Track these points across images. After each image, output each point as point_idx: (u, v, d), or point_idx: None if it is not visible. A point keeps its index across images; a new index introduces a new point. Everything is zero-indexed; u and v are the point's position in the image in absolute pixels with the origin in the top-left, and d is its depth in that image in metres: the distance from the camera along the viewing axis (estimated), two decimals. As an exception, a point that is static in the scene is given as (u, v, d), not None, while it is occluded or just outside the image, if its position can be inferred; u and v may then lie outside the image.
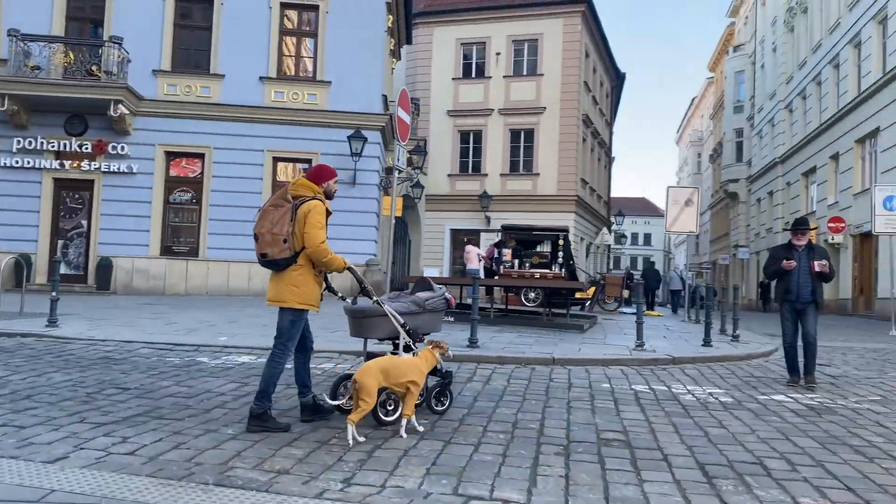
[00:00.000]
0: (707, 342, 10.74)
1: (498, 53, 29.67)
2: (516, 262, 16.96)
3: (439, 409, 5.64)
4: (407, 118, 9.60)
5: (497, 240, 19.37)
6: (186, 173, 19.81)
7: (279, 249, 4.84)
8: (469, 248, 19.21)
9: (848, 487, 4.09)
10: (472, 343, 9.20)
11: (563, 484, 4.02)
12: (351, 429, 4.71)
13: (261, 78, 19.79)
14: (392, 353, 5.36)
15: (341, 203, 19.23)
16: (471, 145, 29.98)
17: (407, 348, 5.47)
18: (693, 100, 72.82)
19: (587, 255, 31.49)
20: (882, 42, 24.72)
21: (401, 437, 4.89)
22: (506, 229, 17.70)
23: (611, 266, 35.87)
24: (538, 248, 17.66)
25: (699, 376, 8.28)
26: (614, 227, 36.64)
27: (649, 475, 4.23)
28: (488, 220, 28.47)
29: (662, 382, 7.72)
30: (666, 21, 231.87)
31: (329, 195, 5.21)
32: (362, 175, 19.57)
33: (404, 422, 4.99)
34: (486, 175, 29.45)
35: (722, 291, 12.89)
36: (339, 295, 5.49)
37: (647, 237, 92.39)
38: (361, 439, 4.76)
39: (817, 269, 7.22)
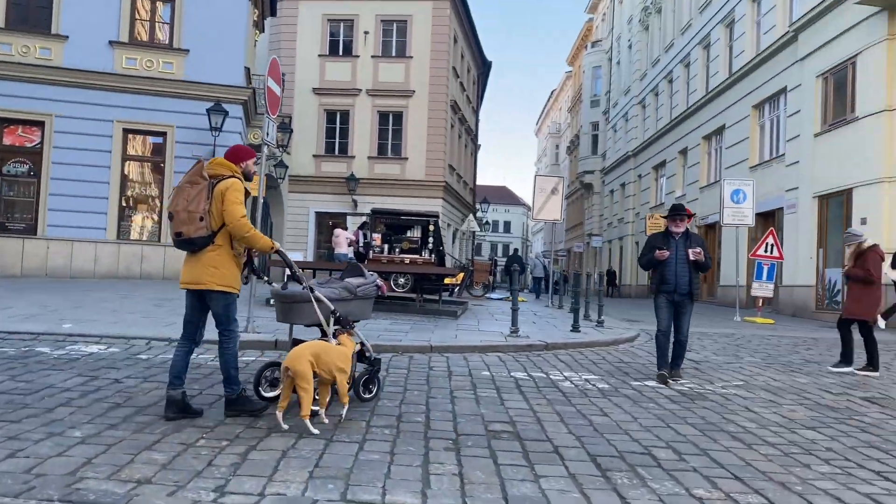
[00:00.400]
0: (576, 328, 10.94)
1: (366, 32, 29.06)
2: (386, 247, 16.67)
3: (367, 396, 5.52)
4: (277, 89, 9.00)
5: (361, 222, 19.05)
6: (23, 143, 17.86)
7: (195, 228, 4.67)
8: (338, 231, 18.69)
9: (735, 476, 4.11)
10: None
11: (458, 483, 3.78)
12: (279, 415, 4.60)
13: (110, 42, 18.15)
14: (321, 339, 5.19)
15: (200, 181, 18.09)
16: (337, 126, 29.25)
17: (334, 335, 5.33)
18: (552, 92, 75.39)
19: (453, 242, 31.71)
20: (729, 44, 26.44)
21: (281, 432, 4.49)
22: (375, 213, 17.35)
23: (474, 253, 36.32)
24: (408, 234, 17.46)
25: (573, 362, 8.35)
26: (479, 214, 37.15)
27: (543, 469, 4.08)
28: (355, 203, 27.94)
29: (539, 369, 7.70)
30: (531, 13, 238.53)
31: (248, 176, 5.03)
32: (222, 151, 18.39)
33: (342, 409, 4.91)
34: (353, 157, 28.85)
35: (587, 278, 13.28)
36: (266, 278, 5.47)
37: (507, 225, 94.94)
38: (316, 431, 4.54)
39: (692, 257, 6.88)
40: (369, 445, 4.40)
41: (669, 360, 7.30)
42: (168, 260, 17.84)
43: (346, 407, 4.94)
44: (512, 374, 7.30)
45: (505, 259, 38.43)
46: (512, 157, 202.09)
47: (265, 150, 9.22)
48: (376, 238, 16.72)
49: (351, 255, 17.28)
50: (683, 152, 31.12)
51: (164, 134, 18.36)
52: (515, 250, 36.95)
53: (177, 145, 18.29)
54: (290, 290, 5.33)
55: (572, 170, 57.73)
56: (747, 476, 4.13)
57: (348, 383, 5.05)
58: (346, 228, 21.42)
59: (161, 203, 18.21)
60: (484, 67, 38.76)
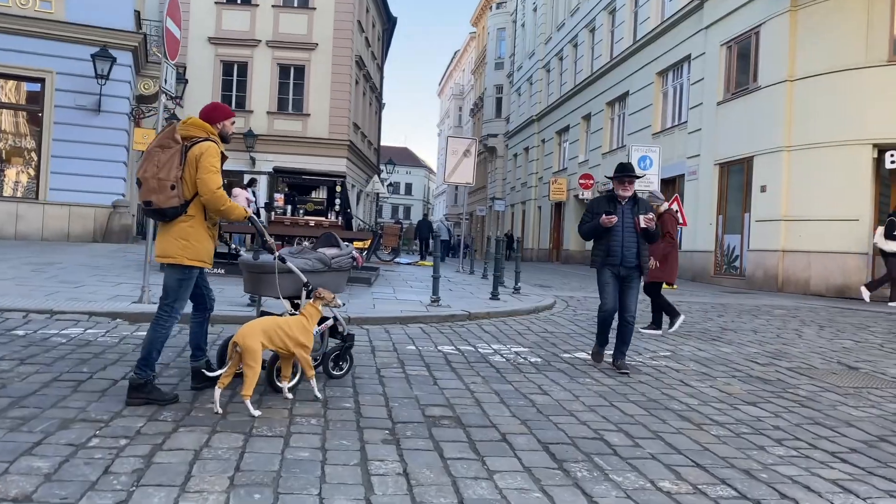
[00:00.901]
0: (495, 296, 10.64)
1: (266, -20, 27.47)
2: (289, 208, 15.79)
3: (337, 373, 5.26)
4: (177, 31, 8.04)
5: (248, 180, 18.13)
6: None
7: (166, 197, 4.30)
8: (237, 191, 17.55)
9: (697, 464, 3.84)
10: (253, 301, 8.12)
11: (405, 484, 3.31)
12: (217, 393, 4.26)
13: (-25, -25, 16.16)
14: (291, 314, 4.86)
15: (84, 133, 16.55)
16: (234, 78, 27.67)
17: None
18: (456, 53, 74.65)
19: (357, 204, 30.90)
20: (634, 11, 26.61)
21: (190, 427, 3.87)
22: (278, 172, 16.40)
23: (379, 216, 35.61)
24: (313, 195, 16.63)
25: (499, 333, 8.01)
26: (384, 175, 36.39)
27: (496, 463, 3.67)
28: (253, 160, 26.63)
29: (466, 342, 7.30)
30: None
31: (225, 138, 4.68)
32: (109, 102, 16.91)
33: (313, 382, 4.69)
34: (251, 112, 27.41)
35: (497, 243, 12.95)
36: (233, 247, 5.24)
37: (409, 187, 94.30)
38: (257, 413, 4.22)
39: (643, 224, 6.00)
40: (296, 440, 3.85)
41: (609, 342, 6.53)
42: (48, 220, 16.30)
43: (314, 381, 4.68)
44: (439, 347, 6.87)
45: (408, 223, 37.95)
46: (414, 118, 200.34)
47: (163, 98, 8.28)
48: (279, 199, 15.82)
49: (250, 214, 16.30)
50: (587, 118, 31.38)
51: (41, 80, 16.61)
52: (425, 215, 36.51)
53: (57, 93, 16.59)
54: (261, 260, 5.04)
55: (476, 132, 57.50)
56: (708, 463, 3.86)
57: (316, 358, 4.90)
58: (245, 188, 20.28)
59: (39, 157, 16.55)
60: (389, 24, 37.68)
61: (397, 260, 21.03)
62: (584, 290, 14.66)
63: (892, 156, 14.65)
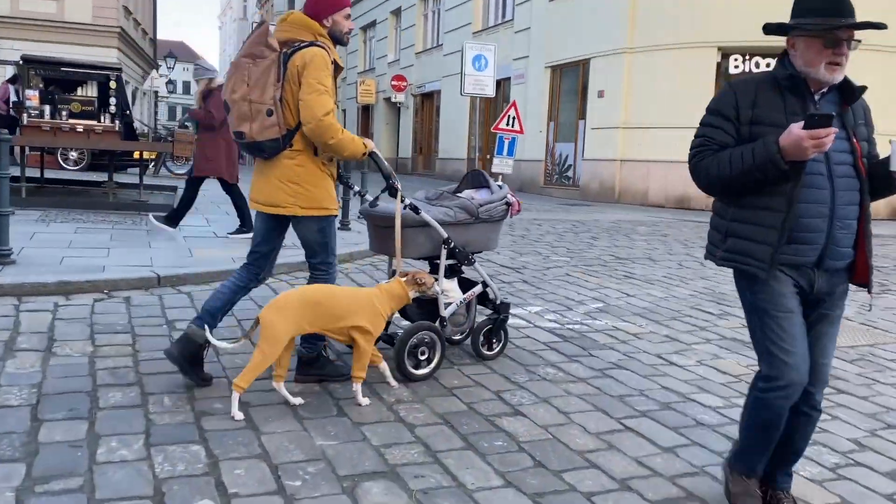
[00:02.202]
0: (345, 224, 8.47)
1: None
2: (48, 108, 12.16)
3: (489, 353, 4.12)
4: None
5: (11, 75, 14.21)
6: None
7: (260, 126, 3.25)
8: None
9: None
10: (3, 256, 5.33)
11: None
12: (236, 398, 3.06)
13: None
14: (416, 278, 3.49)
15: None
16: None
17: (453, 272, 3.99)
18: (238, -64, 67.26)
19: (134, 104, 26.32)
20: None
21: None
22: (27, 63, 12.57)
23: (156, 118, 30.90)
24: (79, 92, 13.08)
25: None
26: (162, 71, 31.46)
27: None
28: (-8, 49, 21.24)
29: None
30: None
31: (338, 38, 3.46)
32: None
33: (356, 387, 3.31)
34: (-16, -14, 21.69)
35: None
36: (356, 189, 4.23)
37: (187, 85, 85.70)
38: (240, 416, 3.03)
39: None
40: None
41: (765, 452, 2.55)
42: None
43: (359, 385, 3.32)
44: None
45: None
46: (190, 6, 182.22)
47: None
48: (31, 96, 12.15)
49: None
50: (396, 13, 28.89)
51: None
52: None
53: None
54: (384, 208, 3.84)
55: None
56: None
57: (462, 332, 4.04)
58: (8, 83, 15.77)
59: None
60: None
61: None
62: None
63: (735, 60, 14.13)
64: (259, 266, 3.55)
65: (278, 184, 3.35)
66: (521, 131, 16.41)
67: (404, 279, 3.44)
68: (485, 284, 4.10)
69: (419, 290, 3.47)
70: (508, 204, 4.09)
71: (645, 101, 15.09)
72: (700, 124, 2.43)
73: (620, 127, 15.52)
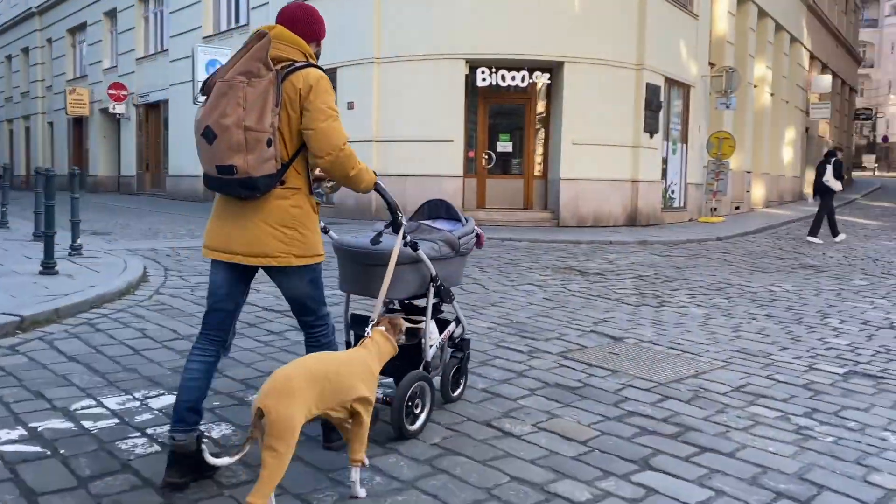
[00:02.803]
0: (49, 265, 6.59)
1: None
2: None
3: (455, 395, 3.79)
4: None
5: None
6: None
7: (258, 159, 2.65)
8: None
9: None
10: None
11: None
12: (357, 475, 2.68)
13: None
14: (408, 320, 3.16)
15: None
16: None
17: (434, 311, 3.56)
18: None
19: None
20: None
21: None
22: None
23: None
24: None
25: (94, 359, 4.37)
26: None
27: None
28: None
29: (29, 398, 3.62)
30: None
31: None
32: None
33: (354, 475, 2.71)
34: None
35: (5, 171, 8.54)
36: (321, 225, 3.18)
37: None
38: None
39: None
40: None
41: None
42: None
43: (358, 470, 2.71)
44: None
45: None
46: None
47: None
48: None
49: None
50: (111, 14, 25.73)
51: None
52: None
53: None
54: (382, 246, 3.20)
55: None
56: None
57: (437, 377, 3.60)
58: None
59: None
60: None
61: None
62: (160, 236, 11.02)
63: (483, 73, 14.11)
64: (223, 330, 2.91)
65: (269, 230, 2.77)
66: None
67: (383, 328, 2.97)
68: (457, 321, 3.76)
69: (397, 337, 3.04)
70: (477, 235, 3.82)
71: (397, 113, 14.55)
72: None
73: (374, 140, 14.82)
